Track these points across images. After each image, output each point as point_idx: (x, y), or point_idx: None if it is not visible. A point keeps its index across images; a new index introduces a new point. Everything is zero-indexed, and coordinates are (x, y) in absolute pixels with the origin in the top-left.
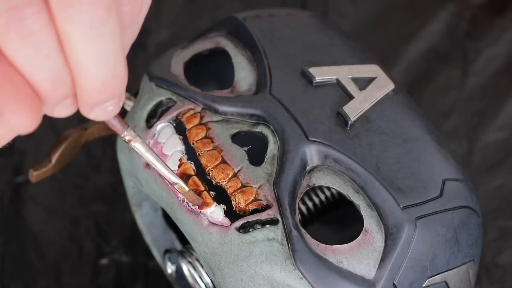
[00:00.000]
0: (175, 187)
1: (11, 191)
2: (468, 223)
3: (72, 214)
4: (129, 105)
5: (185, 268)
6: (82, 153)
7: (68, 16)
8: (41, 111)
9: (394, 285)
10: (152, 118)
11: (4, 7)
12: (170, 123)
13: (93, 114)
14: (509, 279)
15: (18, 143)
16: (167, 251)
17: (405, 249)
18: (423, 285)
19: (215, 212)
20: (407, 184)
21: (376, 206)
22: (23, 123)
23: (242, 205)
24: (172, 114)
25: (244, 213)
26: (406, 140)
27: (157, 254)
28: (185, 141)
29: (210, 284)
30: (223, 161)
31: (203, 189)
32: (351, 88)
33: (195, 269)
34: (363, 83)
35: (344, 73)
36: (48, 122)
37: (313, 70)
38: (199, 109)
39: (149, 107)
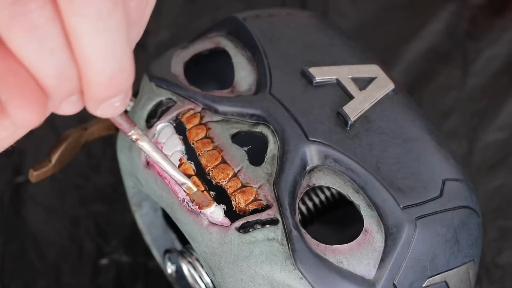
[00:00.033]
0: (183, 187)
1: (11, 191)
2: (468, 223)
3: (72, 214)
4: (129, 105)
5: (185, 268)
6: (82, 153)
7: (74, 8)
8: (46, 106)
9: (394, 285)
10: (152, 118)
11: (8, 0)
12: (170, 123)
13: (100, 110)
14: (509, 279)
15: (18, 143)
16: (167, 251)
17: (405, 249)
18: (423, 285)
19: (215, 212)
20: (407, 184)
21: (376, 206)
22: (28, 118)
23: (242, 205)
24: (172, 114)
25: (244, 213)
26: (406, 140)
27: (157, 254)
28: (185, 141)
29: (210, 284)
30: (223, 161)
31: (203, 189)
32: (351, 88)
33: (195, 269)
34: (363, 83)
35: (344, 73)
36: (48, 122)
37: (313, 70)
38: (199, 109)
39: (149, 107)
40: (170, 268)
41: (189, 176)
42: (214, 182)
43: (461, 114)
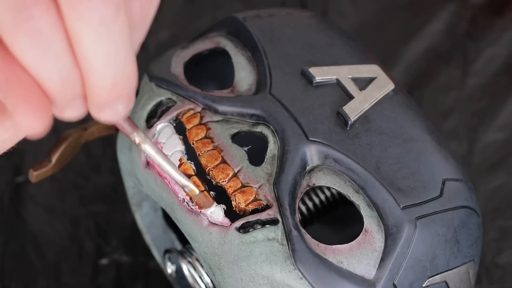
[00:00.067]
0: (185, 189)
1: (11, 191)
2: (468, 223)
3: (72, 214)
4: None
5: (185, 268)
6: (82, 153)
7: (77, 13)
8: (51, 112)
9: (394, 285)
10: (152, 118)
11: (12, 6)
12: (170, 123)
13: (103, 115)
14: (509, 279)
15: (18, 143)
16: (167, 251)
17: (405, 249)
18: (423, 285)
19: (215, 212)
20: (407, 184)
21: (376, 206)
22: (33, 124)
23: (242, 205)
24: (172, 114)
25: (244, 213)
26: (406, 140)
27: (157, 254)
28: (185, 141)
29: (210, 284)
30: (223, 161)
31: (203, 189)
32: (351, 88)
33: (195, 269)
34: (363, 83)
35: (344, 73)
36: None
37: (313, 70)
38: (199, 109)
39: (149, 107)
40: (170, 268)
41: (189, 176)
42: (214, 182)
43: (461, 114)
